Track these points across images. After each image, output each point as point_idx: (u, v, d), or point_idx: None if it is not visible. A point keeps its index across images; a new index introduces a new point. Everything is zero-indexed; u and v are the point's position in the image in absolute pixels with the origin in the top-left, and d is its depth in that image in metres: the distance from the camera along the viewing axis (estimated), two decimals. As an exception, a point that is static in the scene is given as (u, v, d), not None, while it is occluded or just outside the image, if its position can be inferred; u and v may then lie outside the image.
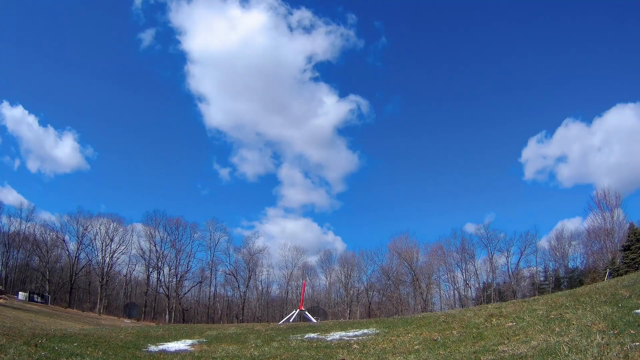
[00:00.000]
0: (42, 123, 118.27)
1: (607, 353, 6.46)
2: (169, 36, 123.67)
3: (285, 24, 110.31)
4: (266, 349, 14.27)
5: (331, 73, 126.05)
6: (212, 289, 76.39)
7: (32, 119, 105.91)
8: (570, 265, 62.38)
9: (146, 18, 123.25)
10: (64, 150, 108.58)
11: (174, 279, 70.92)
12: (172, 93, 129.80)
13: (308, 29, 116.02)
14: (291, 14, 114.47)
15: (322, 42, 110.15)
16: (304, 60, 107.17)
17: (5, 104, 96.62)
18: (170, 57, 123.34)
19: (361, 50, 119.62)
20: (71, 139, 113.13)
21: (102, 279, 67.16)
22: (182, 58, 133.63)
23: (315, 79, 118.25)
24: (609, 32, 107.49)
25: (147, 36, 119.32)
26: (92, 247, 69.92)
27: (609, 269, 39.53)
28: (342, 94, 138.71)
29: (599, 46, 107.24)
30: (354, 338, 15.47)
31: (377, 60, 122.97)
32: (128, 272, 74.62)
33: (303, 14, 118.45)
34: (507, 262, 64.63)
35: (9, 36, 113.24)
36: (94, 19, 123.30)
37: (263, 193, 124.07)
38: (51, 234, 69.89)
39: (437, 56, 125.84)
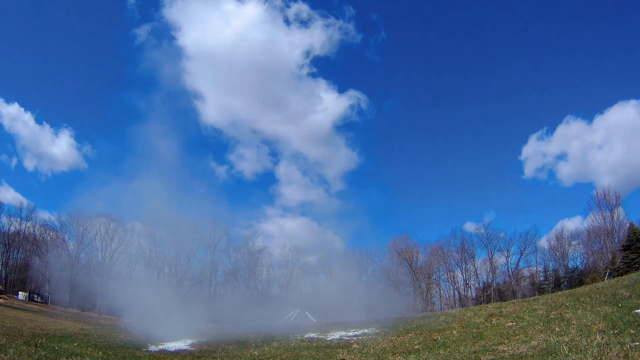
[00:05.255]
0: (38, 120, 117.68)
1: (607, 353, 6.46)
2: (164, 32, 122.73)
3: (282, 18, 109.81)
4: (266, 348, 14.28)
5: (329, 68, 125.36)
6: (212, 289, 76.41)
7: (28, 117, 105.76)
8: (570, 265, 62.31)
9: (141, 14, 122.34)
10: (61, 149, 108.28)
11: (174, 279, 70.92)
12: (168, 90, 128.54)
13: (305, 23, 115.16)
14: (288, 7, 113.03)
15: (320, 36, 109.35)
16: (301, 55, 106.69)
17: (1, 101, 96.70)
18: (166, 54, 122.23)
19: (360, 45, 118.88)
20: (68, 137, 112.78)
21: (102, 279, 67.15)
22: (177, 54, 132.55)
23: (313, 75, 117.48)
24: (610, 29, 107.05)
25: (141, 32, 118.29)
26: (92, 246, 69.88)
27: (609, 269, 39.51)
28: (341, 90, 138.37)
29: (601, 43, 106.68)
30: (354, 338, 15.48)
31: (377, 54, 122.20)
32: (128, 272, 74.64)
33: (300, 7, 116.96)
34: (507, 262, 64.53)
35: (3, 33, 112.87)
36: (89, 15, 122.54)
37: (261, 192, 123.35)
38: (51, 233, 69.84)
39: (437, 51, 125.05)
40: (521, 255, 63.80)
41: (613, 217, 54.95)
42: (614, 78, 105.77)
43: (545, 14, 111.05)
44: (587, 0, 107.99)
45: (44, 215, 74.05)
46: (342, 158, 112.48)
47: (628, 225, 45.51)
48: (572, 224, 75.16)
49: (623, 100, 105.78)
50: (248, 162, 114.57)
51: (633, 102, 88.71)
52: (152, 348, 15.11)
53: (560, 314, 11.54)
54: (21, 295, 55.93)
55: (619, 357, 6.21)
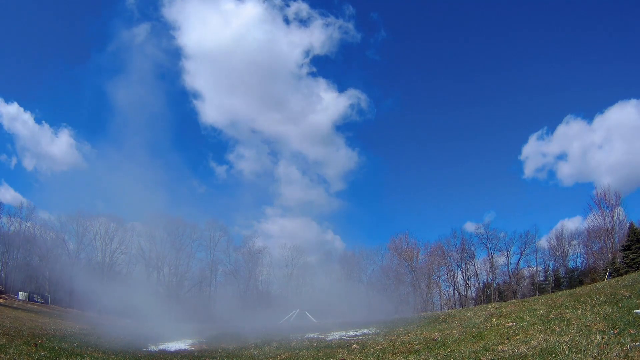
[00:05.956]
0: (38, 120, 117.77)
1: (607, 353, 6.46)
2: (163, 31, 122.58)
3: (281, 17, 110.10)
4: (266, 348, 14.27)
5: (329, 68, 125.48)
6: (212, 289, 76.42)
7: (27, 116, 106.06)
8: (570, 265, 62.28)
9: (140, 13, 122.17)
10: (61, 148, 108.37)
11: (174, 279, 70.96)
12: (167, 90, 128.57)
13: (305, 22, 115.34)
14: (288, 6, 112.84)
15: (320, 35, 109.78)
16: (301, 54, 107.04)
17: (0, 100, 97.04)
18: (165, 53, 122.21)
19: (360, 44, 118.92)
20: (67, 136, 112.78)
21: (102, 279, 67.12)
22: (176, 54, 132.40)
23: (313, 74, 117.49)
24: (611, 29, 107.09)
25: (141, 31, 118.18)
26: (92, 246, 69.86)
27: (609, 269, 39.51)
28: (341, 90, 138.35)
29: (601, 43, 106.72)
30: (354, 338, 15.48)
31: (377, 54, 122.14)
32: (128, 272, 74.60)
33: (300, 6, 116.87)
34: (507, 261, 64.48)
35: (2, 33, 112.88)
36: (88, 15, 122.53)
37: (260, 191, 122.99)
38: (51, 233, 69.81)
39: (438, 50, 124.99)
40: (521, 255, 63.79)
41: (613, 217, 54.93)
42: (614, 78, 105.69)
43: (545, 14, 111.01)
44: (587, 0, 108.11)
45: (44, 215, 74.02)
46: (342, 158, 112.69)
47: (628, 225, 45.48)
48: (572, 224, 75.07)
49: (623, 100, 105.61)
50: (248, 162, 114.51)
51: (633, 101, 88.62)
52: (152, 348, 15.11)
53: (560, 314, 11.53)
54: (21, 295, 55.88)
55: (619, 357, 6.21)
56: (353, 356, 11.18)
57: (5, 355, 9.66)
